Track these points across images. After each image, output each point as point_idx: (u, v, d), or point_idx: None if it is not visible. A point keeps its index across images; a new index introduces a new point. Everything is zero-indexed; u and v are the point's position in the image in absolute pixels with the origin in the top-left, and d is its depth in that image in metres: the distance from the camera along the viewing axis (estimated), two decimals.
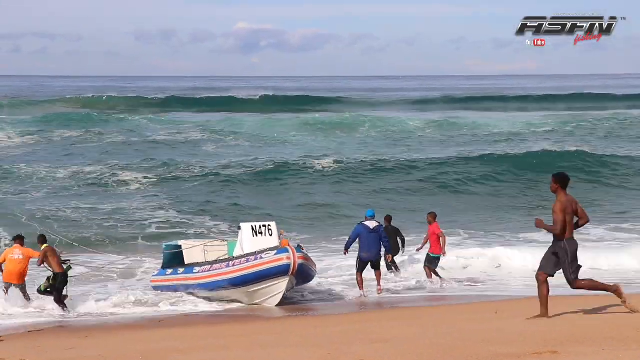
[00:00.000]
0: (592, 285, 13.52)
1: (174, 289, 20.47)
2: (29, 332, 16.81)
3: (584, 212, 13.43)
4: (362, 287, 20.53)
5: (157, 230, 29.62)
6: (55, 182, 38.65)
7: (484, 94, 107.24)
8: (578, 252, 13.32)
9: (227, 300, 19.91)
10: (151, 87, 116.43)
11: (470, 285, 21.91)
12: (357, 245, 20.85)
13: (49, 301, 19.32)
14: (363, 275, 20.76)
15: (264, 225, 20.06)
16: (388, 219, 23.51)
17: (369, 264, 20.59)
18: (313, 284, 20.76)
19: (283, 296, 19.29)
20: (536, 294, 13.59)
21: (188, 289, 20.26)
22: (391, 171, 41.26)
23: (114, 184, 38.44)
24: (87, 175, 40.21)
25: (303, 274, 19.31)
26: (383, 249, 20.80)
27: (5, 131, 57.61)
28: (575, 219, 13.40)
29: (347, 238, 20.94)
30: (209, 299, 20.03)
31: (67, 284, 19.35)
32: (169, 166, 43.62)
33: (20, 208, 32.71)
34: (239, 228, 20.37)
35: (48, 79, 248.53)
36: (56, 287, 19.19)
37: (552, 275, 13.51)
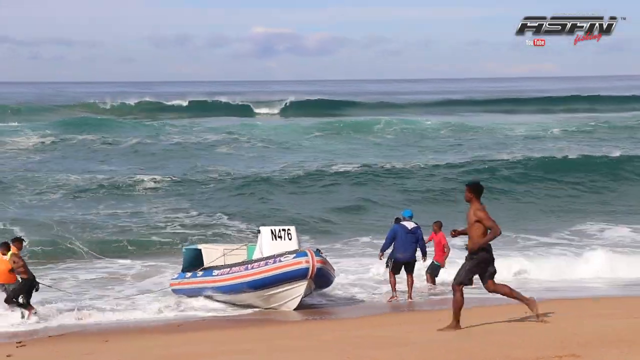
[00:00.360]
0: (457, 301, 13.50)
1: (193, 292, 20.51)
2: (49, 337, 16.89)
3: None
4: (395, 289, 20.30)
5: (176, 233, 29.60)
6: (72, 186, 38.69)
7: (504, 96, 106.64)
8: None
9: (243, 305, 19.93)
10: (168, 92, 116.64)
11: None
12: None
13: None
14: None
15: (284, 229, 20.07)
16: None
17: (403, 266, 20.33)
18: (331, 287, 20.71)
19: (301, 300, 19.29)
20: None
21: (207, 292, 20.28)
22: (412, 174, 40.94)
23: (133, 188, 38.49)
24: (105, 180, 40.31)
25: (322, 278, 19.29)
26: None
27: (23, 136, 57.81)
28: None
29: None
30: (227, 303, 20.06)
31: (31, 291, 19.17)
32: (188, 170, 43.76)
33: (38, 211, 32.90)
34: (259, 232, 20.40)
35: (66, 84, 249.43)
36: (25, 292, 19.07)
37: (494, 276, 13.58)
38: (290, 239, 19.86)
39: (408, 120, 68.86)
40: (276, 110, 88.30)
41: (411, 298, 20.30)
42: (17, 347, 15.72)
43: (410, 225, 20.40)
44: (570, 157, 44.75)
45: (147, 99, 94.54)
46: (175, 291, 21.07)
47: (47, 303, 20.17)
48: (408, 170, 42.15)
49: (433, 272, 21.83)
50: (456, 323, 13.56)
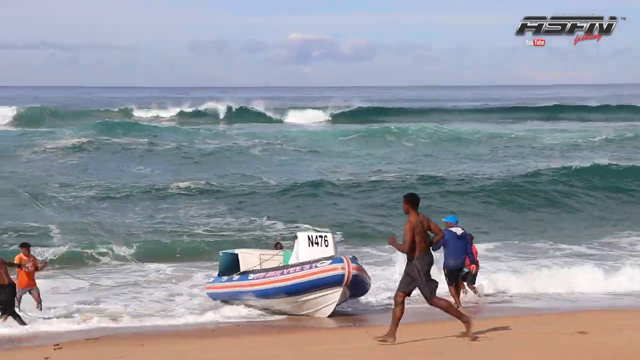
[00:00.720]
0: (448, 309, 13.72)
1: (228, 296, 20.54)
2: (85, 339, 16.99)
3: (437, 228, 13.74)
4: (458, 298, 19.90)
5: (211, 237, 29.57)
6: (108, 189, 38.95)
7: (541, 104, 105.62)
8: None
9: (276, 312, 19.92)
10: (205, 98, 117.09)
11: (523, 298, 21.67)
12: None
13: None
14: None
15: (320, 236, 20.00)
16: None
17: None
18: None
19: (335, 307, 19.23)
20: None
21: (242, 296, 20.28)
22: (446, 182, 40.50)
23: (169, 192, 38.62)
24: (142, 183, 40.61)
25: (357, 285, 19.22)
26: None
27: (62, 138, 58.30)
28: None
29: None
30: (261, 309, 20.05)
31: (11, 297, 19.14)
32: (225, 175, 43.99)
33: (74, 213, 33.17)
34: (295, 237, 20.37)
35: (103, 89, 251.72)
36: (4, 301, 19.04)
37: (409, 295, 13.76)
38: (326, 246, 19.78)
39: (443, 127, 68.68)
40: (314, 116, 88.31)
41: (459, 301, 20.01)
42: (54, 349, 15.89)
43: (459, 230, 20.14)
44: (609, 166, 44.10)
45: (185, 103, 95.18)
46: (210, 295, 21.12)
47: (84, 304, 20.41)
48: (443, 177, 41.74)
49: (466, 279, 21.57)
50: (468, 325, 13.61)
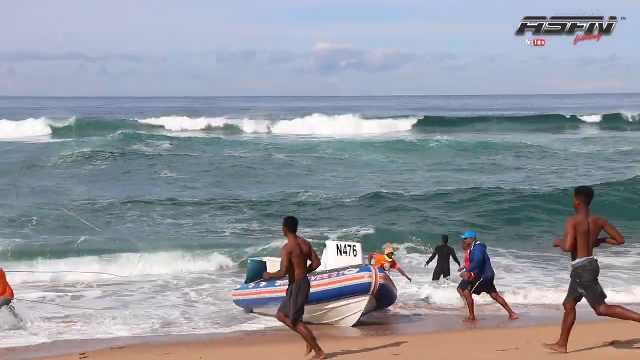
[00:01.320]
0: (306, 336, 14.19)
1: (255, 303, 20.49)
2: (111, 348, 16.98)
3: (315, 255, 14.20)
4: (474, 312, 19.97)
5: (237, 245, 29.56)
6: (133, 198, 39.20)
7: (571, 113, 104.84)
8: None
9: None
10: (232, 108, 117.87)
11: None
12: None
13: None
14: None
15: (349, 245, 19.93)
16: (445, 239, 23.65)
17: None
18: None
19: (361, 317, 19.09)
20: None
21: (268, 302, 20.18)
22: (466, 196, 39.62)
23: (195, 201, 38.78)
24: (169, 193, 40.82)
25: (384, 294, 19.10)
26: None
27: (87, 149, 58.61)
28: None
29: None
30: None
31: None
32: (250, 185, 44.07)
33: (103, 224, 33.31)
34: (325, 246, 20.32)
35: (132, 99, 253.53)
36: None
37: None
38: (355, 256, 19.73)
39: (463, 138, 68.51)
40: (340, 125, 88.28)
41: (514, 312, 19.93)
42: (80, 358, 15.88)
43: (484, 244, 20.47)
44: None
45: (212, 113, 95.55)
46: (237, 302, 21.07)
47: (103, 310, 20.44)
48: (477, 188, 41.24)
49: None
50: (318, 351, 14.11)
